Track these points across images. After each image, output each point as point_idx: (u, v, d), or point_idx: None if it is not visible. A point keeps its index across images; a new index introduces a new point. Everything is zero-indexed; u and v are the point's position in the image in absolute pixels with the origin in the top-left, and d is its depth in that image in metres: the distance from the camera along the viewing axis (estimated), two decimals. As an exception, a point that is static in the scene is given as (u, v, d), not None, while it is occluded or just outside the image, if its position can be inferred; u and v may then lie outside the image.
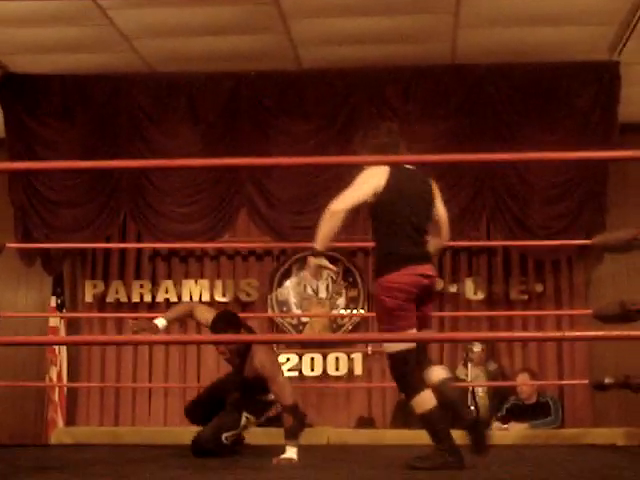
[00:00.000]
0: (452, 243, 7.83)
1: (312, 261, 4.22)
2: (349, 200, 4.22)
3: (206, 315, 5.09)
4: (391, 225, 4.30)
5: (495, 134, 7.77)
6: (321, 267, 4.23)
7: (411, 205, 4.31)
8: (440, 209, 4.49)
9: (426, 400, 4.11)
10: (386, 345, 4.32)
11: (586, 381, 6.96)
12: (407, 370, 4.15)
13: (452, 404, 4.21)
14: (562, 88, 7.73)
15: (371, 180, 4.26)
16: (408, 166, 4.42)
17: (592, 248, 6.81)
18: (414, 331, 4.17)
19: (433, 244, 4.44)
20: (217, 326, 4.90)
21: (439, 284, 8.22)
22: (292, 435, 4.61)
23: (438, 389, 4.18)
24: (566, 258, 8.27)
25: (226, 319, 5.00)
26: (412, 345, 4.16)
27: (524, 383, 7.35)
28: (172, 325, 5.17)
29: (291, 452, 4.55)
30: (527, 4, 6.67)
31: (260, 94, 7.93)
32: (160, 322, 4.89)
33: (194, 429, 5.22)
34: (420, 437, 6.16)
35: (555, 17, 6.89)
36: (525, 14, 6.83)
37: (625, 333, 2.88)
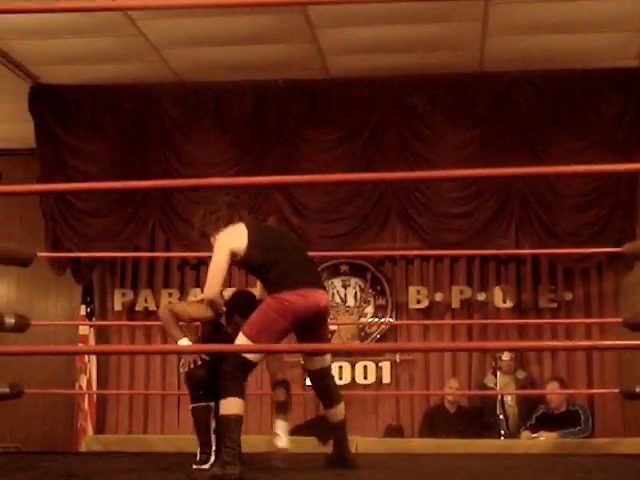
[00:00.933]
0: (481, 251, 7.87)
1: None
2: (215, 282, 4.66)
3: (184, 308, 5.05)
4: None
5: (523, 142, 7.74)
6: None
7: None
8: None
9: (237, 406, 4.33)
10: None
11: (617, 390, 6.90)
12: (242, 376, 4.41)
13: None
14: (590, 95, 7.69)
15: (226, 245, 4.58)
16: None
17: (622, 256, 6.76)
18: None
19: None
20: (234, 302, 4.86)
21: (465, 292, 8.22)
22: (282, 410, 4.68)
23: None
24: (595, 266, 8.21)
25: (243, 296, 4.98)
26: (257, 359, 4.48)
27: (554, 392, 7.30)
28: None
29: (281, 426, 4.62)
30: (555, 11, 6.65)
31: (287, 103, 7.95)
32: (185, 342, 4.82)
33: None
34: (449, 446, 6.16)
35: (583, 24, 6.85)
36: (553, 21, 6.80)
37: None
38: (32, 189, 4.28)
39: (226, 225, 4.65)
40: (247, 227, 4.61)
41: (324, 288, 4.72)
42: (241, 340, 4.46)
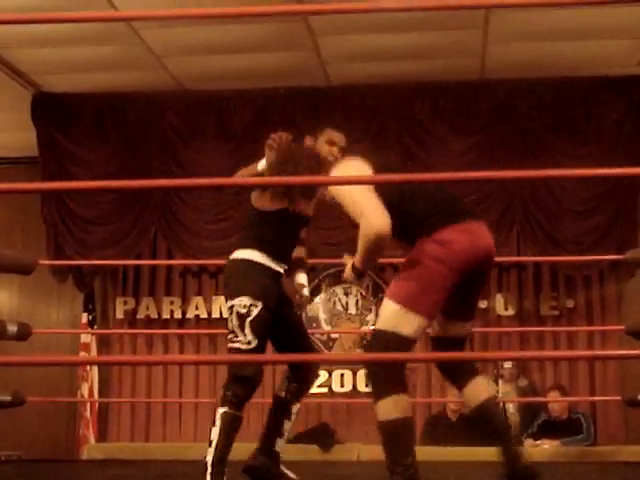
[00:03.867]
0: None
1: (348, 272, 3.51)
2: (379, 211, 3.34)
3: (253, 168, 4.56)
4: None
5: (524, 149, 7.75)
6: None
7: None
8: None
9: (400, 405, 3.32)
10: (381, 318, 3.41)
11: (619, 397, 6.89)
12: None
13: (497, 428, 3.52)
14: (592, 102, 7.71)
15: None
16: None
17: (624, 263, 6.75)
18: (428, 320, 3.38)
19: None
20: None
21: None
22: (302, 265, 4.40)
23: (482, 408, 3.50)
24: (597, 273, 8.20)
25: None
26: (417, 333, 3.32)
27: (556, 400, 7.28)
28: None
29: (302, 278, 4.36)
30: (556, 19, 6.66)
31: (289, 110, 7.96)
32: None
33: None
34: (450, 454, 6.15)
35: (585, 31, 6.87)
36: (554, 29, 6.81)
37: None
38: (31, 188, 4.29)
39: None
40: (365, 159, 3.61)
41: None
42: (390, 311, 3.35)
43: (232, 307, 3.99)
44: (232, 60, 7.38)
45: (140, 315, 8.62)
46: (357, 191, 3.38)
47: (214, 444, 3.88)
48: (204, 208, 8.06)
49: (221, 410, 3.91)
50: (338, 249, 7.95)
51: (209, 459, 3.87)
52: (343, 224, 7.95)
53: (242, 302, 3.98)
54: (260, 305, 3.99)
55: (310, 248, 8.01)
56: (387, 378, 3.30)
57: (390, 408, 3.28)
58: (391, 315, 3.33)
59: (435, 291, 3.30)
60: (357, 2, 2.96)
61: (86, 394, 8.29)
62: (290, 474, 4.12)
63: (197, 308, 8.56)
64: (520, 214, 7.85)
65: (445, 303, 3.39)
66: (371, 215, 3.31)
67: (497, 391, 7.67)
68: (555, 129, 7.75)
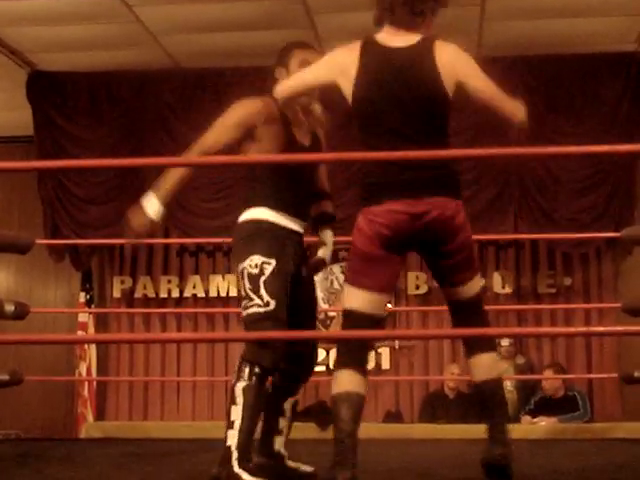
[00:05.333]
0: (479, 236, 7.84)
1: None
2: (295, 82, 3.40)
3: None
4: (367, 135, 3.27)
5: (522, 127, 7.73)
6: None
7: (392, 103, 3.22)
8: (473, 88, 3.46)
9: (341, 380, 3.19)
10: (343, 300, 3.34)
11: (615, 374, 6.91)
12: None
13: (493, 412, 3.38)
14: (589, 80, 7.69)
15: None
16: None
17: (620, 241, 6.76)
18: (372, 294, 3.29)
19: None
20: None
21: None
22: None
23: (482, 388, 3.40)
24: (594, 251, 8.21)
25: None
26: (363, 306, 3.26)
27: (552, 377, 7.31)
28: None
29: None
30: (553, -4, 6.65)
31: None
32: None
33: (222, 423, 5.19)
34: (448, 432, 6.17)
35: (581, 8, 6.84)
36: (550, 6, 6.79)
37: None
38: (27, 166, 4.27)
39: None
40: None
41: None
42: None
43: (242, 270, 3.48)
44: (228, 38, 7.34)
45: (137, 294, 8.62)
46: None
47: (237, 425, 3.33)
48: (200, 186, 8.03)
49: (241, 384, 3.36)
50: (335, 227, 7.94)
51: (232, 443, 3.32)
52: (339, 203, 7.94)
53: (253, 261, 3.47)
54: (274, 262, 3.47)
55: (307, 227, 8.03)
56: (340, 353, 3.27)
57: (334, 383, 3.22)
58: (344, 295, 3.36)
59: (360, 261, 3.29)
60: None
61: (84, 373, 8.31)
62: (302, 467, 3.64)
63: (194, 287, 8.57)
64: (517, 192, 7.85)
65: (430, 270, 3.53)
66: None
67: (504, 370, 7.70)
68: (552, 107, 7.73)
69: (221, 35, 7.30)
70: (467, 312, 3.40)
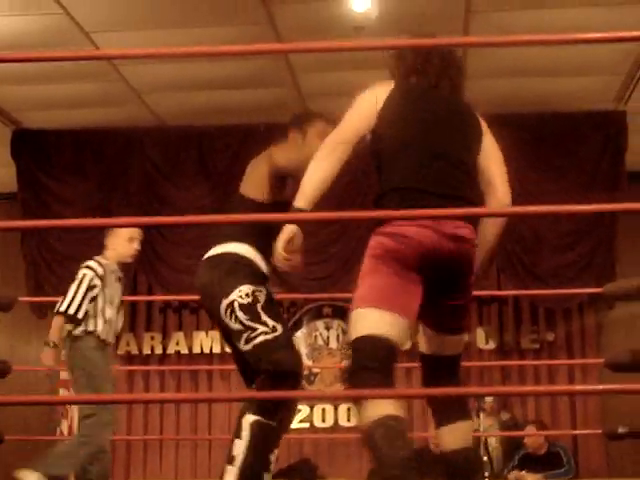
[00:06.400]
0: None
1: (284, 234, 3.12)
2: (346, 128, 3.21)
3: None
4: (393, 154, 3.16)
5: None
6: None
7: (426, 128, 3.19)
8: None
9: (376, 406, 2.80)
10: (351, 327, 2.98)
11: (599, 431, 6.90)
12: (368, 364, 2.87)
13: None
14: (569, 138, 7.78)
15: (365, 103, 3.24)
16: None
17: (603, 296, 6.79)
18: (394, 315, 2.97)
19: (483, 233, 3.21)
20: None
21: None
22: None
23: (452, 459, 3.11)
24: (577, 306, 8.24)
25: None
26: (380, 330, 2.92)
27: (536, 434, 7.28)
28: None
29: None
30: (533, 55, 6.73)
31: (270, 146, 7.97)
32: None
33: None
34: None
35: (562, 68, 6.95)
36: (531, 65, 6.89)
37: (636, 386, 2.76)
38: (11, 226, 4.26)
39: None
40: None
41: None
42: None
43: (231, 304, 3.29)
44: (212, 96, 7.41)
45: (120, 351, 8.55)
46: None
47: (239, 461, 3.02)
48: (184, 243, 8.04)
49: (250, 419, 3.04)
50: (319, 284, 7.96)
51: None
52: (322, 259, 7.96)
53: (242, 292, 3.31)
54: (264, 290, 3.35)
55: (291, 283, 8.03)
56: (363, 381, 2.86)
57: (366, 413, 2.79)
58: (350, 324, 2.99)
59: (371, 278, 2.97)
60: (335, 41, 3.00)
61: (65, 432, 8.21)
62: None
63: (178, 344, 8.52)
64: (500, 248, 7.88)
65: (423, 312, 3.10)
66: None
67: (479, 425, 7.66)
68: (532, 164, 7.80)
69: (205, 93, 7.36)
70: (447, 370, 3.15)
